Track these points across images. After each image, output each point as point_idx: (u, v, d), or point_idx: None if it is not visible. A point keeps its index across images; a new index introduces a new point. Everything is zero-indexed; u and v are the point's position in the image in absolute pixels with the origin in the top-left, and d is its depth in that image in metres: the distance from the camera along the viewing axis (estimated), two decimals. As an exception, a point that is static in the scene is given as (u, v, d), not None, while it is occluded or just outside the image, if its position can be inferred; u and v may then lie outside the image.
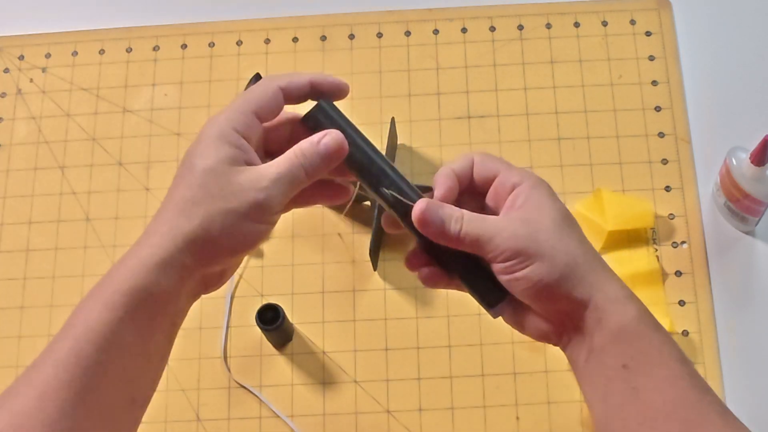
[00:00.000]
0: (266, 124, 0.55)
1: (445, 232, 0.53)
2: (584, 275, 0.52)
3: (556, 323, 0.54)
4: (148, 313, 0.50)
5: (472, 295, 0.56)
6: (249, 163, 0.52)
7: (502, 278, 0.53)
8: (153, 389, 0.53)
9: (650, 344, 0.51)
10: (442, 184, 0.55)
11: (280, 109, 0.55)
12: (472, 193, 0.56)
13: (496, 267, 0.53)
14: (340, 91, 0.56)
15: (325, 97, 0.55)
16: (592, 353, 0.52)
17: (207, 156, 0.51)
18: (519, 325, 0.56)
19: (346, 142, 0.53)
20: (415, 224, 0.53)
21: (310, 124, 0.55)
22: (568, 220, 0.54)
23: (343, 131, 0.54)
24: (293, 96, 0.55)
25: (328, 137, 0.53)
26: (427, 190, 0.55)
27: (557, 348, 0.56)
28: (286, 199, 0.52)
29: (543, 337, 0.55)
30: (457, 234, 0.53)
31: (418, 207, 0.53)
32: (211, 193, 0.50)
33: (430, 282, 0.56)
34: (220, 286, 0.56)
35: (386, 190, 0.54)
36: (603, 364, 0.52)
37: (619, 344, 0.51)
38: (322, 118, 0.55)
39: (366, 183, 0.55)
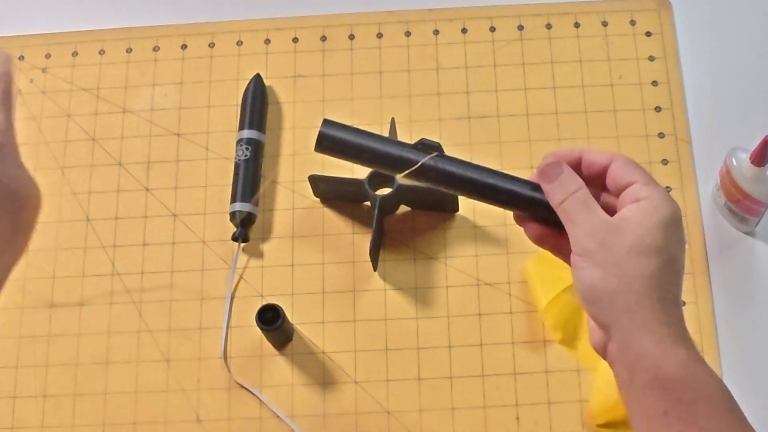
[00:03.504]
0: None
1: (551, 192, 0.54)
2: (631, 306, 0.51)
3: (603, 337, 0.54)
4: None
5: None
6: None
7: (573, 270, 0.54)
8: None
9: (695, 392, 0.50)
10: (571, 153, 0.55)
11: None
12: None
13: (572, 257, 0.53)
14: None
15: None
16: (632, 386, 0.51)
17: None
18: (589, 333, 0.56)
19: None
20: (539, 169, 0.55)
21: (324, 150, 0.57)
22: (657, 251, 0.51)
23: (350, 144, 0.56)
24: None
25: None
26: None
27: (558, 348, 0.56)
28: None
29: (593, 345, 0.55)
30: (558, 202, 0.54)
31: (548, 159, 0.55)
32: None
33: (538, 240, 0.58)
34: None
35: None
36: (644, 404, 0.50)
37: (660, 389, 0.50)
38: (329, 140, 0.56)
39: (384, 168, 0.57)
